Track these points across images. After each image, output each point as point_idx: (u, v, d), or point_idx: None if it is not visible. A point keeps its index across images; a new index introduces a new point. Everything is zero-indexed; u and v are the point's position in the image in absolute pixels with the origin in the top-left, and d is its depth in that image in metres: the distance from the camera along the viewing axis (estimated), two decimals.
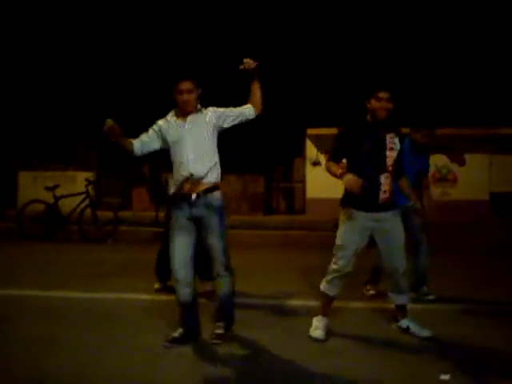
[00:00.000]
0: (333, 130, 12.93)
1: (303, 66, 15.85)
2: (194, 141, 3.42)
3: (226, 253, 3.44)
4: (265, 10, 16.11)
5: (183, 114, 3.48)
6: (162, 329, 3.68)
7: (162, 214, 11.42)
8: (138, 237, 8.74)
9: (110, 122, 3.31)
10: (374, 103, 3.51)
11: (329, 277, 3.60)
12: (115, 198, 12.99)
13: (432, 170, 14.04)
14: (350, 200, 3.52)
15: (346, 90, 14.73)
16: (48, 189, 8.82)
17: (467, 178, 12.69)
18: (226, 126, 3.53)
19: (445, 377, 2.74)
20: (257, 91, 3.52)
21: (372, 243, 3.64)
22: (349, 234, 3.53)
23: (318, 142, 12.93)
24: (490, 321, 4.04)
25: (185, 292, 3.40)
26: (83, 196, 8.90)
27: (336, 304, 3.78)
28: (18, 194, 12.65)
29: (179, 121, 3.48)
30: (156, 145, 3.55)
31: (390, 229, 3.56)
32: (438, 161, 13.15)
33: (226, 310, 3.55)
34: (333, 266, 3.57)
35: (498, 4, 14.29)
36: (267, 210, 13.38)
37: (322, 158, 13.11)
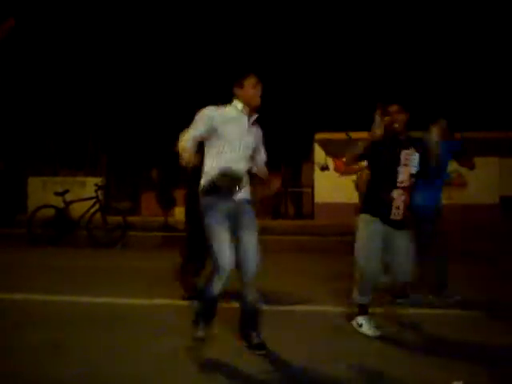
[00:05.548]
0: (341, 135, 12.89)
1: (312, 70, 15.87)
2: None
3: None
4: (274, 17, 16.18)
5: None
6: (174, 334, 3.67)
7: (171, 219, 11.58)
8: (147, 242, 8.75)
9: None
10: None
11: None
12: (125, 203, 13.04)
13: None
14: None
15: (354, 95, 14.72)
16: (58, 194, 8.85)
17: (477, 182, 12.59)
18: None
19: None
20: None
21: None
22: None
23: (326, 146, 12.91)
24: (505, 326, 3.99)
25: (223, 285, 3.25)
26: (93, 201, 8.93)
27: (343, 309, 3.76)
28: (28, 199, 12.75)
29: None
30: None
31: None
32: None
33: (256, 318, 3.45)
34: None
35: None
36: (275, 214, 13.36)
37: (330, 163, 13.09)
